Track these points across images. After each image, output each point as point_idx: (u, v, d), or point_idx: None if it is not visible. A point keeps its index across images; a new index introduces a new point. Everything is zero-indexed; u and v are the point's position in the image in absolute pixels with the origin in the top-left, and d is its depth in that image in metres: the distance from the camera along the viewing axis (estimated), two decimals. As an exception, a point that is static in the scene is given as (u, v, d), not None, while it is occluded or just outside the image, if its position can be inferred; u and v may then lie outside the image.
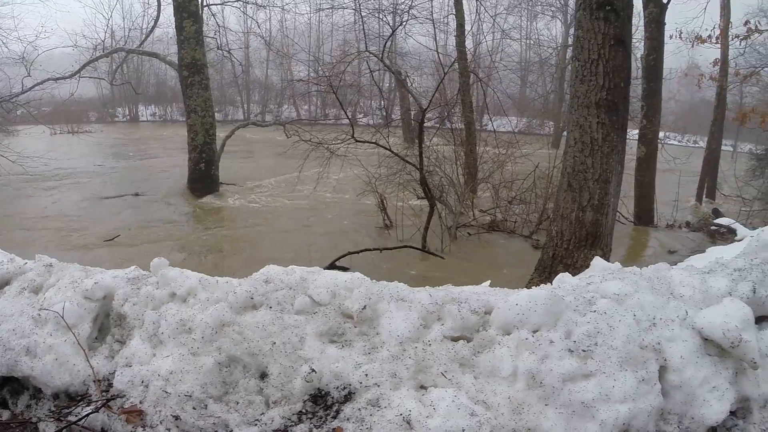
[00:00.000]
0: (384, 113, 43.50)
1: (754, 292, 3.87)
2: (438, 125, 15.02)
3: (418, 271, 9.97)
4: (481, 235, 12.14)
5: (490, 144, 15.99)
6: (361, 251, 9.81)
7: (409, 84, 19.11)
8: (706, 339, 3.51)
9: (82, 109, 48.14)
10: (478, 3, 22.28)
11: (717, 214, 18.45)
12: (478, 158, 15.32)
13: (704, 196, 24.70)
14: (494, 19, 30.80)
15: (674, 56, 29.70)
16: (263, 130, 27.24)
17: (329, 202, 15.97)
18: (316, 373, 3.33)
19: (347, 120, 12.66)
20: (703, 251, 11.00)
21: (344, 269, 9.40)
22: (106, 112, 57.62)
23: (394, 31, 13.47)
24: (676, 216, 17.32)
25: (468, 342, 3.43)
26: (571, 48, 36.06)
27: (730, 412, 3.54)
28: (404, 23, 19.71)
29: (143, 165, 24.78)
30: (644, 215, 16.30)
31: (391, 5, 27.98)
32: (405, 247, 10.25)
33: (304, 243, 11.79)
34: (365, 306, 3.56)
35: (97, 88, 49.55)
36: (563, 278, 4.28)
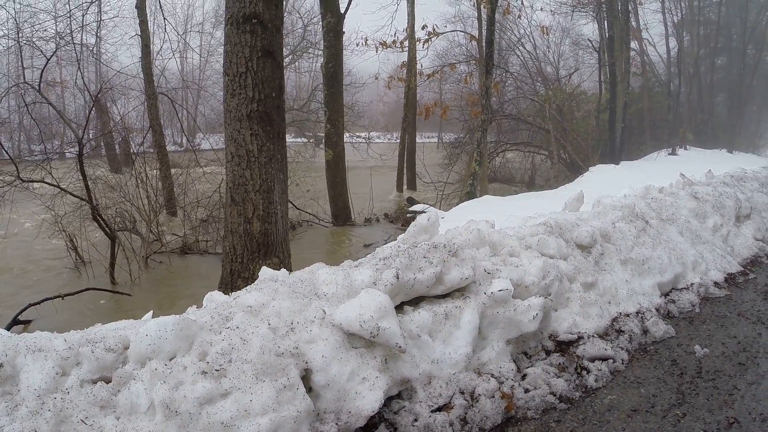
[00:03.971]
0: (90, 143, 41.35)
1: (398, 278, 4.10)
2: (134, 151, 14.54)
3: (109, 309, 9.60)
4: (175, 259, 11.96)
5: (200, 164, 15.81)
6: (42, 301, 9.16)
7: (107, 110, 18.41)
8: (350, 333, 3.70)
9: None
10: (166, 21, 21.94)
11: (412, 202, 19.43)
12: (173, 181, 15.11)
13: (405, 187, 26.14)
14: (182, 37, 30.44)
15: (381, 62, 31.31)
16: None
17: (11, 247, 14.76)
18: (-46, 446, 3.14)
19: (56, 155, 11.90)
20: (395, 239, 11.58)
21: (28, 323, 8.95)
22: None
23: (48, 60, 12.75)
24: (374, 210, 18.12)
25: (107, 383, 3.34)
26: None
27: (395, 395, 3.81)
28: (59, 48, 18.81)
29: None
30: (341, 214, 16.77)
31: (53, 33, 26.69)
32: (88, 290, 9.78)
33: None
34: (2, 363, 3.33)
35: None
36: (212, 296, 4.34)
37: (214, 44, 46.13)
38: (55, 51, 16.96)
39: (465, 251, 4.77)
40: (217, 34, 49.58)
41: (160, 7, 21.15)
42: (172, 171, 15.93)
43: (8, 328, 7.55)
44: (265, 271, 4.76)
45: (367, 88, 35.26)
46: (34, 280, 11.71)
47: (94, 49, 23.23)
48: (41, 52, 15.84)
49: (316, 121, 28.11)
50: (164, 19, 21.69)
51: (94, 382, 3.38)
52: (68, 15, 19.71)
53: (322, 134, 24.52)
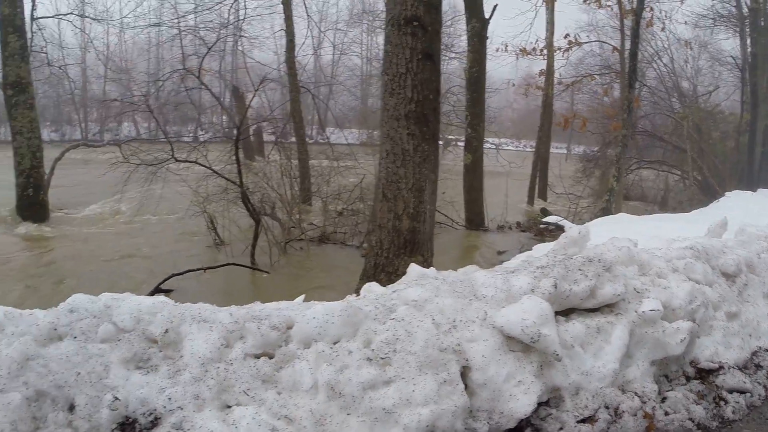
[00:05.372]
0: (223, 129, 42.92)
1: (556, 287, 4.05)
2: (275, 140, 14.94)
3: (247, 289, 9.90)
4: (312, 247, 12.20)
5: (329, 157, 16.09)
6: (185, 272, 9.58)
7: (246, 100, 18.95)
8: (509, 336, 3.65)
9: None
10: (310, 19, 22.41)
11: (545, 213, 19.22)
12: (309, 171, 15.41)
13: (536, 197, 25.77)
14: (327, 35, 31.14)
15: (511, 68, 31.00)
16: (99, 151, 26.26)
17: (158, 225, 15.50)
18: (120, 400, 3.26)
19: (189, 138, 12.43)
20: (531, 249, 11.45)
21: (169, 293, 9.26)
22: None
23: (209, 49, 13.34)
24: (507, 217, 17.96)
25: (270, 358, 3.45)
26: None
27: (543, 402, 3.73)
28: (219, 40, 19.44)
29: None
30: (475, 218, 16.74)
31: (218, 23, 27.74)
32: (228, 264, 10.13)
33: (133, 268, 11.42)
34: (167, 330, 3.52)
35: (-75, 109, 46.31)
36: (371, 287, 4.37)
37: (347, 42, 47.03)
38: (216, 41, 17.61)
39: (617, 268, 4.66)
40: (350, 33, 50.61)
41: (305, 4, 21.66)
42: (311, 162, 16.28)
43: (150, 296, 7.88)
44: (413, 268, 4.75)
45: (497, 94, 35.08)
46: (176, 255, 12.25)
47: (239, 41, 24.04)
48: (203, 41, 16.44)
49: (447, 123, 28.14)
50: (308, 16, 22.18)
51: (257, 356, 3.49)
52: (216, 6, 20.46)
53: (451, 137, 24.52)
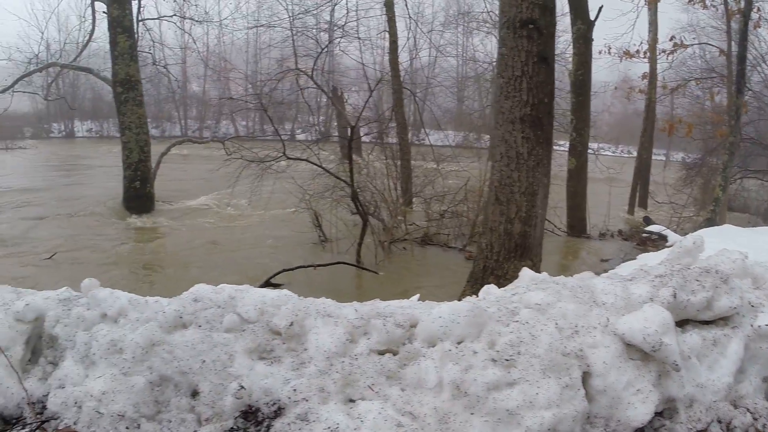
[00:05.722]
0: (318, 129, 43.58)
1: (675, 297, 3.96)
2: (376, 140, 15.06)
3: (352, 286, 10.01)
4: (415, 248, 12.24)
5: (427, 158, 16.13)
6: (295, 268, 9.77)
7: (345, 100, 19.15)
8: (629, 344, 3.60)
9: (16, 124, 47.05)
10: (411, 20, 22.46)
11: (648, 221, 18.79)
12: (411, 173, 15.45)
13: (636, 204, 25.18)
14: (428, 36, 31.16)
15: (607, 70, 30.35)
16: (199, 147, 26.96)
17: (263, 220, 15.85)
18: (245, 389, 3.35)
19: (286, 136, 12.64)
20: (635, 258, 11.22)
21: (278, 286, 9.42)
22: (41, 127, 56.36)
23: (323, 49, 13.60)
24: (608, 225, 17.62)
25: (394, 355, 3.49)
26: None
27: (657, 413, 3.65)
28: (332, 41, 19.70)
29: (78, 183, 24.30)
30: (577, 225, 16.49)
31: (325, 23, 28.12)
32: (338, 263, 10.26)
33: (238, 260, 11.70)
34: (292, 322, 3.59)
35: (32, 103, 48.48)
36: (489, 289, 4.36)
37: (443, 43, 46.98)
38: (329, 42, 17.90)
39: (733, 280, 4.53)
40: (446, 34, 50.57)
41: (407, 5, 21.71)
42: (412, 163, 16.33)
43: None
44: (526, 272, 4.75)
45: (595, 97, 34.44)
46: (280, 250, 12.51)
47: (339, 42, 24.32)
48: (317, 41, 16.76)
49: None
50: (409, 17, 22.24)
51: (381, 353, 3.55)
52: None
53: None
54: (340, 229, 12.35)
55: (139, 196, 17.35)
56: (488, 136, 38.74)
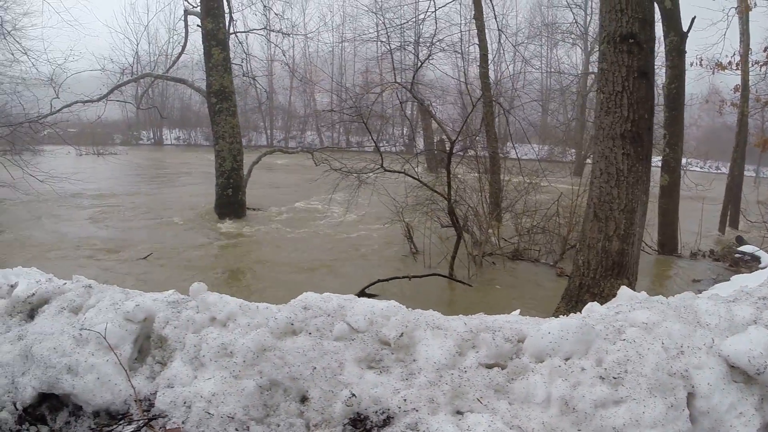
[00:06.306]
0: (407, 142, 43.71)
1: None
2: (461, 153, 15.04)
3: (443, 298, 10.02)
4: (505, 263, 12.18)
5: (512, 172, 16.02)
6: (391, 279, 9.86)
7: (433, 112, 19.19)
8: (732, 366, 3.57)
9: (107, 131, 48.70)
10: (501, 32, 22.33)
11: (740, 241, 18.24)
12: (501, 187, 15.37)
13: (727, 223, 24.44)
14: (516, 48, 31.00)
15: (695, 82, 29.57)
16: (285, 156, 27.35)
17: (354, 230, 15.98)
18: (356, 397, 3.43)
19: (370, 148, 12.75)
20: (728, 279, 10.97)
21: (373, 297, 9.52)
22: (130, 134, 58.18)
23: (422, 63, 13.71)
24: (699, 244, 17.21)
25: (502, 369, 3.54)
26: (591, 75, 35.94)
27: None
28: (432, 55, 19.76)
29: (169, 189, 24.98)
30: (668, 243, 16.14)
31: (417, 36, 28.27)
32: (434, 275, 10.29)
33: (330, 269, 11.82)
34: (402, 333, 3.69)
35: (123, 111, 50.17)
36: (592, 307, 4.36)
37: (527, 55, 46.60)
38: (428, 56, 18.03)
39: None
40: (530, 46, 50.17)
41: (495, 17, 21.64)
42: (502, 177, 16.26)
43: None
44: (624, 291, 4.73)
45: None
46: (371, 260, 12.65)
47: (423, 55, 24.41)
48: (415, 55, 16.93)
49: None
50: (499, 30, 22.11)
51: (489, 366, 3.59)
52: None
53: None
54: (434, 241, 12.38)
55: (231, 203, 17.73)
56: (573, 150, 38.35)
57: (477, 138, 16.33)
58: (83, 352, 3.96)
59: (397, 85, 15.00)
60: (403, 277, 9.90)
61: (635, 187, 7.24)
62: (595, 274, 7.32)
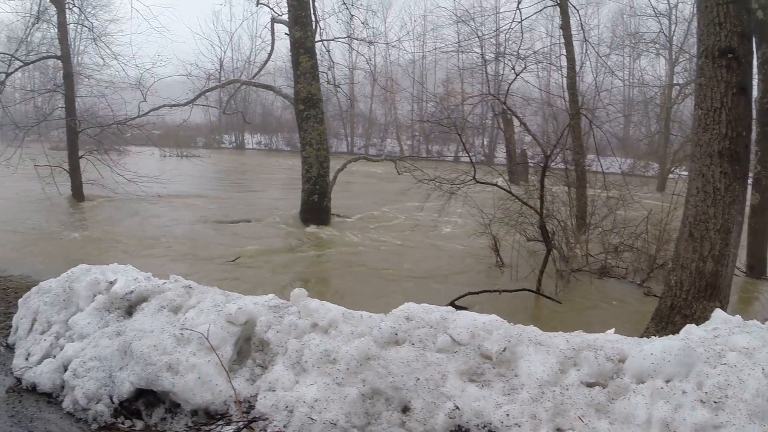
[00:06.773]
0: (486, 152, 43.54)
1: None
2: (558, 166, 14.87)
3: (533, 314, 9.93)
4: (592, 280, 12.01)
5: (595, 186, 15.76)
6: (481, 292, 9.85)
7: (528, 126, 19.05)
8: None
9: (190, 134, 49.83)
10: (587, 42, 22.04)
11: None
12: (587, 200, 15.16)
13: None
14: (602, 58, 30.50)
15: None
16: (364, 164, 27.52)
17: (439, 240, 15.96)
18: (459, 410, 3.53)
19: (451, 158, 12.70)
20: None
21: (462, 309, 9.56)
22: (213, 138, 59.33)
23: (517, 75, 13.64)
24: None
25: (603, 388, 3.58)
26: (676, 87, 35.15)
27: None
28: (527, 66, 19.59)
29: (252, 193, 25.30)
30: (756, 266, 15.70)
31: (500, 47, 28.20)
32: (524, 290, 10.24)
33: (417, 279, 11.83)
34: (505, 348, 3.77)
35: (206, 115, 51.08)
36: (690, 330, 4.34)
37: (611, 66, 45.72)
38: (524, 68, 17.97)
39: None
40: (612, 56, 49.17)
41: (581, 26, 21.42)
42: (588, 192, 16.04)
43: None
44: (718, 313, 4.65)
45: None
46: (457, 271, 12.59)
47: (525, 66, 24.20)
48: (512, 67, 16.91)
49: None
50: (585, 40, 21.87)
51: (590, 385, 3.63)
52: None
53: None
54: (522, 255, 12.30)
55: (316, 209, 17.87)
56: (656, 165, 37.45)
57: (568, 150, 16.16)
58: (184, 352, 4.17)
59: (491, 96, 14.96)
60: (494, 291, 9.87)
61: (732, 207, 7.09)
62: (687, 295, 7.16)
